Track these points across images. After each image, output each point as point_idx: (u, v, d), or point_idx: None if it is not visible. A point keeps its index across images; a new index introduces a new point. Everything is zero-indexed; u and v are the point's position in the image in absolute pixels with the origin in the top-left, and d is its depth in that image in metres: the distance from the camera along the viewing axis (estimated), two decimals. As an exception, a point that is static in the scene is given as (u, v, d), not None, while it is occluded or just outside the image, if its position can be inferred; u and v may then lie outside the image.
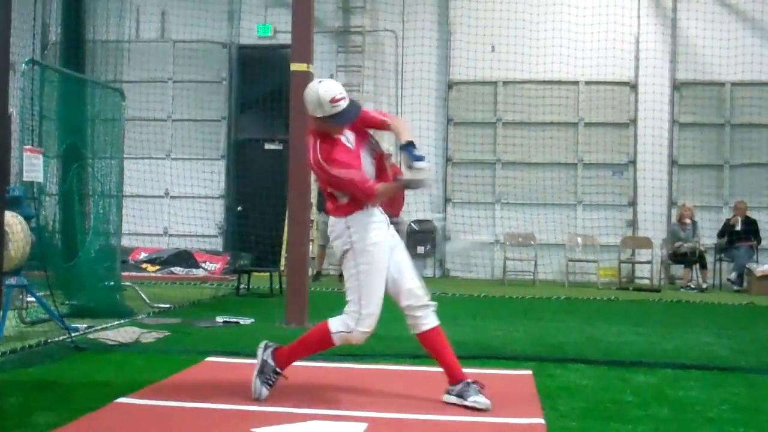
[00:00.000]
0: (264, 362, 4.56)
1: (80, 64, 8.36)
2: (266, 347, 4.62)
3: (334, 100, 4.27)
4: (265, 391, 4.52)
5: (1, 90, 4.93)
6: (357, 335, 4.45)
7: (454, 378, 4.50)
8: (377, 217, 4.47)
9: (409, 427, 4.11)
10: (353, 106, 4.38)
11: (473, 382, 4.46)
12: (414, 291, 4.47)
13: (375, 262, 4.41)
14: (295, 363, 4.77)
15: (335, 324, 4.48)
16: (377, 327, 4.50)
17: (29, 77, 6.88)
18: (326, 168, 4.31)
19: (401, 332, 6.78)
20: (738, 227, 13.05)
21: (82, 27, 8.50)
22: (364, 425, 4.00)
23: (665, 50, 14.00)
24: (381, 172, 4.52)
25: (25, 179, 6.80)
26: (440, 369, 4.59)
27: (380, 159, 4.56)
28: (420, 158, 4.30)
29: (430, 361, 4.69)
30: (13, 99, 6.57)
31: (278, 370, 4.57)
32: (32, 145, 6.79)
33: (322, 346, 4.62)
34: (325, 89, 4.30)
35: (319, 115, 4.31)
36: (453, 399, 4.45)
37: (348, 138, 4.44)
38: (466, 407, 4.37)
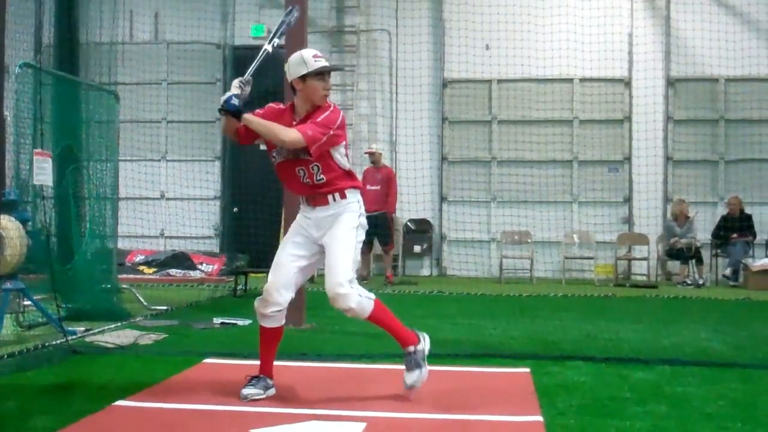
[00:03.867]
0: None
1: (74, 67, 8.34)
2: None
3: (316, 56, 4.51)
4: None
5: (-4, 93, 4.92)
6: (255, 302, 4.62)
7: None
8: (301, 207, 4.68)
9: (407, 426, 4.11)
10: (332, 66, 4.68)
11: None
12: (329, 287, 4.50)
13: (283, 239, 4.70)
14: (292, 364, 4.79)
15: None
16: (375, 327, 4.49)
17: (23, 80, 6.87)
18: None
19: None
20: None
21: (76, 29, 8.48)
22: (363, 425, 4.00)
23: (659, 47, 14.03)
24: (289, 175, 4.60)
25: (35, 182, 6.79)
26: (442, 368, 4.60)
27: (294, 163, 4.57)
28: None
29: (428, 360, 4.68)
30: (8, 102, 6.56)
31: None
32: (40, 149, 6.78)
33: (260, 332, 4.70)
34: (306, 50, 4.60)
35: (303, 73, 4.45)
36: None
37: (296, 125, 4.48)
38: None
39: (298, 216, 4.68)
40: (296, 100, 4.58)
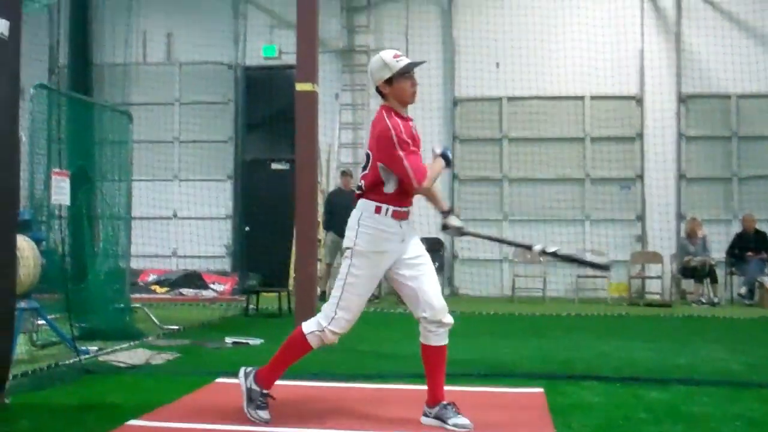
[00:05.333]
0: (250, 390, 4.50)
1: (88, 88, 8.41)
2: (246, 375, 4.55)
3: (396, 56, 4.42)
4: (264, 415, 4.46)
5: (12, 115, 4.96)
6: (328, 335, 4.41)
7: (434, 399, 4.46)
8: (391, 227, 4.38)
9: (421, 446, 4.09)
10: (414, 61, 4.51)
11: (450, 404, 4.42)
12: (432, 304, 4.41)
13: (369, 269, 4.37)
14: (304, 383, 4.79)
15: (308, 325, 4.47)
16: (387, 346, 4.48)
17: (38, 101, 6.93)
18: (393, 140, 4.31)
19: (410, 351, 6.78)
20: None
21: (89, 51, 8.56)
22: (376, 445, 3.98)
23: (670, 64, 14.02)
24: None
25: (53, 202, 6.83)
26: (454, 388, 4.57)
27: None
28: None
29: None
30: (23, 122, 6.61)
31: (265, 392, 4.51)
32: (58, 168, 6.84)
33: (300, 352, 4.54)
34: (385, 52, 4.48)
35: (387, 76, 4.38)
36: (432, 422, 4.41)
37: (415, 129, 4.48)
38: (446, 430, 4.32)
39: (379, 241, 4.35)
40: (389, 103, 4.48)
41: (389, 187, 4.39)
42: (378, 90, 4.47)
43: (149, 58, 14.93)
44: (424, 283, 4.43)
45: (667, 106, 13.95)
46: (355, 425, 4.40)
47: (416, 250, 4.48)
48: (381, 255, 4.37)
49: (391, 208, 4.38)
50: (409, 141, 4.34)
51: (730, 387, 5.57)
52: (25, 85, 6.76)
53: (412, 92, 4.45)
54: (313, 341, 4.45)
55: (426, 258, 4.50)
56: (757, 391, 5.44)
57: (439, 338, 4.46)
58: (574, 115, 14.20)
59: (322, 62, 9.15)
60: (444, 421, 4.36)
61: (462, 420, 4.34)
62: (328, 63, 13.77)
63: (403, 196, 4.42)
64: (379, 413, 4.73)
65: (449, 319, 4.48)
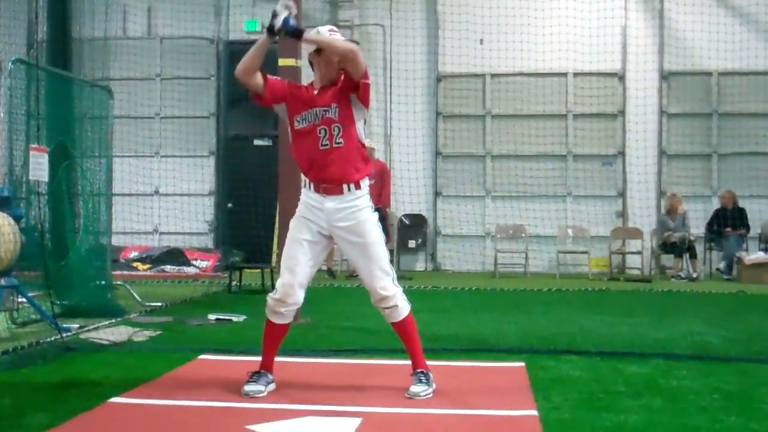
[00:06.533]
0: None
1: (67, 63, 8.30)
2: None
3: (331, 30, 4.57)
4: (248, 387, 4.55)
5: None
6: (269, 300, 4.58)
7: (412, 367, 4.62)
8: (308, 197, 4.57)
9: (403, 421, 4.11)
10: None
11: (420, 372, 4.56)
12: (372, 290, 4.54)
13: (291, 232, 4.57)
14: (287, 359, 4.82)
15: None
16: (372, 322, 4.51)
17: (16, 76, 6.84)
18: None
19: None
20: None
21: (69, 25, 8.44)
22: (359, 420, 4.00)
23: (653, 41, 14.03)
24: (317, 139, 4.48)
25: (31, 178, 6.78)
26: (437, 363, 4.63)
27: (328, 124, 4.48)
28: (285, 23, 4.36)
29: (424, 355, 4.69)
30: (1, 98, 6.54)
31: (252, 371, 4.66)
32: (36, 144, 6.79)
33: (268, 328, 4.66)
34: (323, 26, 4.62)
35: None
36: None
37: (317, 93, 4.53)
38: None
39: (303, 208, 4.57)
40: (314, 77, 4.61)
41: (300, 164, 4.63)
42: (310, 63, 4.62)
43: (129, 32, 14.75)
44: (361, 271, 4.60)
45: (650, 83, 13.98)
46: (339, 400, 4.42)
47: (354, 233, 4.52)
48: (301, 220, 4.56)
49: (307, 180, 4.58)
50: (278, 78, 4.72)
51: (708, 361, 5.64)
52: (3, 60, 6.69)
53: (337, 67, 4.50)
54: (266, 313, 4.61)
55: (359, 244, 4.53)
56: (734, 365, 5.51)
57: (390, 316, 4.59)
58: (557, 92, 14.22)
59: (304, 37, 9.09)
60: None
61: (416, 388, 4.47)
62: (310, 38, 13.63)
63: (308, 172, 4.55)
64: (363, 388, 4.76)
65: (387, 303, 4.54)
